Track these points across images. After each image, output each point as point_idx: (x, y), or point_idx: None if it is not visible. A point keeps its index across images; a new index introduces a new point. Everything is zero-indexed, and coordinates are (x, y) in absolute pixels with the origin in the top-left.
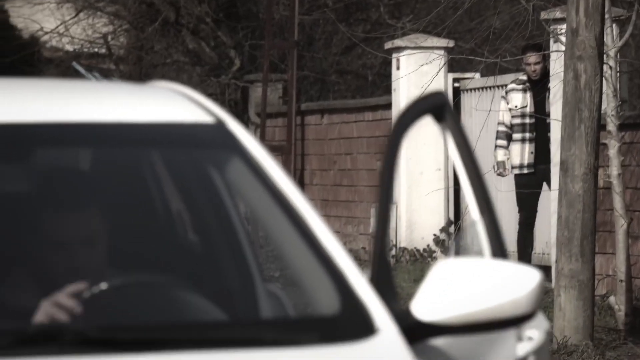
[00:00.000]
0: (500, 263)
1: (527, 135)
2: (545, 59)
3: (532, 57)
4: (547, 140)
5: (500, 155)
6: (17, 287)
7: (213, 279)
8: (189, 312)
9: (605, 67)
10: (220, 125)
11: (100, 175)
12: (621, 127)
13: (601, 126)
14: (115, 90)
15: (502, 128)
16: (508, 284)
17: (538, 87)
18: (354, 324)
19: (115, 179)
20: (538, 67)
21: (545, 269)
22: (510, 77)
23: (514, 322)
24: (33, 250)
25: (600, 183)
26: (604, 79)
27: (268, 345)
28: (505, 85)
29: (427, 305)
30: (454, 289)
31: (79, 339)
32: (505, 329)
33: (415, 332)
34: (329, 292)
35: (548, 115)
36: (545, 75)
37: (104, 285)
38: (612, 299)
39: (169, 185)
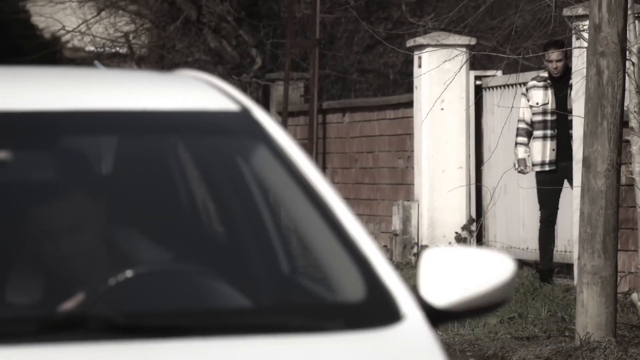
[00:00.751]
0: (476, 250)
1: (549, 132)
2: (567, 57)
3: (554, 54)
4: (569, 137)
5: (521, 152)
6: (16, 281)
7: (238, 267)
8: (214, 299)
9: (627, 63)
10: (245, 113)
11: (125, 163)
12: None
13: (624, 123)
14: (140, 78)
15: (522, 125)
16: (492, 270)
17: (560, 84)
18: (379, 311)
19: (140, 167)
20: (560, 64)
21: (568, 267)
22: (532, 74)
23: (498, 305)
24: (26, 242)
25: (623, 180)
26: (626, 75)
27: (294, 332)
28: (526, 83)
29: (436, 292)
30: (452, 277)
31: (105, 325)
32: (491, 313)
33: (435, 318)
34: (354, 279)
35: (570, 112)
36: (566, 72)
37: (129, 273)
38: (634, 295)
39: (194, 173)
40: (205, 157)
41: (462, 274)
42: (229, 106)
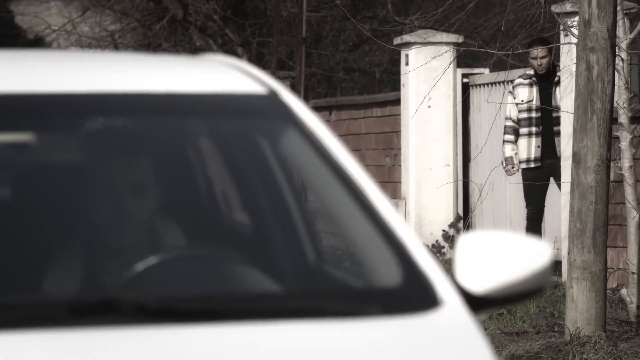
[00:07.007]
0: (513, 236)
1: (534, 129)
2: (552, 54)
3: (537, 51)
4: (554, 134)
5: (508, 150)
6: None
7: (266, 253)
8: (245, 284)
9: (617, 59)
10: (273, 95)
11: (152, 144)
12: (633, 120)
13: (613, 119)
14: (167, 62)
15: (509, 123)
16: (529, 256)
17: (545, 81)
18: (417, 296)
19: (167, 151)
20: (544, 60)
21: (556, 264)
22: (519, 72)
23: (535, 293)
24: (55, 225)
25: (612, 176)
26: (615, 71)
27: (330, 316)
28: (513, 81)
29: (473, 278)
30: (489, 263)
31: (136, 309)
32: (527, 300)
33: (472, 305)
34: (390, 264)
35: (556, 109)
36: (552, 69)
37: (159, 258)
38: (623, 291)
39: (221, 156)
40: (234, 140)
41: (499, 260)
42: (257, 89)
